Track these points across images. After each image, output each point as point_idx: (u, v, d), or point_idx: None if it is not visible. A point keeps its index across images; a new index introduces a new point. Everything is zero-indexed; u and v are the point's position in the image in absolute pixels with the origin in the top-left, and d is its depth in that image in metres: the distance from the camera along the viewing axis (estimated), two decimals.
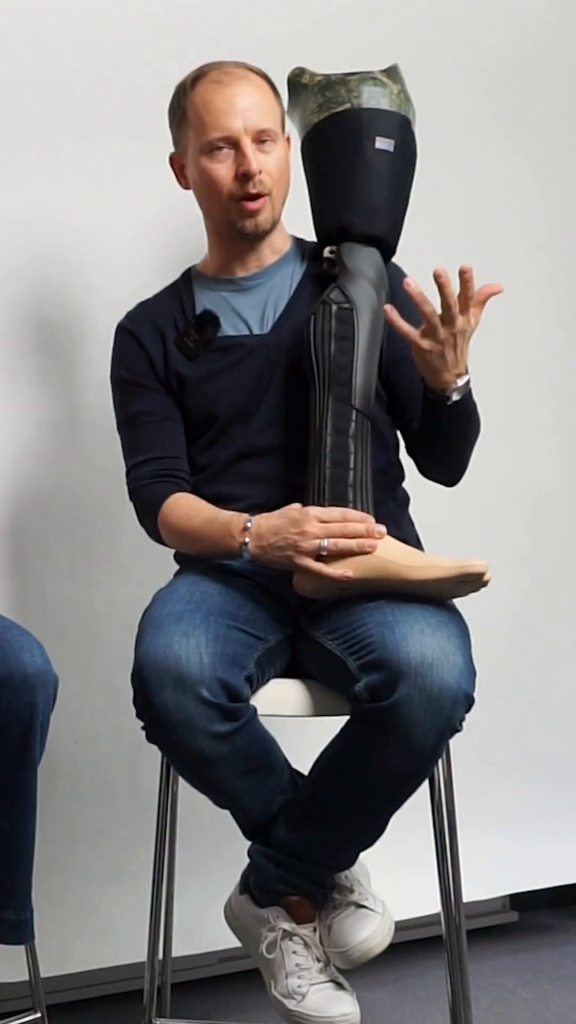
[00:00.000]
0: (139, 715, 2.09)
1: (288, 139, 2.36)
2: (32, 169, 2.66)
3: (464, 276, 2.12)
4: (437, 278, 2.11)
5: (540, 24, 3.15)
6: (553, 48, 3.17)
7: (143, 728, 2.11)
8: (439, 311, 2.15)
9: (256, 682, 2.15)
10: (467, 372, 2.20)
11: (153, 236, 2.75)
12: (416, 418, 2.33)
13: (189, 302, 2.37)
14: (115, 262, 2.73)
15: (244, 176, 2.26)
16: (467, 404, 2.24)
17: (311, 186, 2.37)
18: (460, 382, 2.20)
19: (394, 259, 2.39)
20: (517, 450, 3.10)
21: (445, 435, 2.28)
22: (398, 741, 2.03)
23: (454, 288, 2.12)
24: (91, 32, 2.70)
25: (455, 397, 2.20)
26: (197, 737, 2.05)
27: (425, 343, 2.16)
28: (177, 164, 2.37)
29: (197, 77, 2.31)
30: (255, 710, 2.13)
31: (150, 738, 2.11)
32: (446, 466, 2.35)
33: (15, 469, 2.68)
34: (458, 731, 2.06)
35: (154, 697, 2.05)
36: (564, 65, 3.19)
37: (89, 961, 2.67)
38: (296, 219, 2.40)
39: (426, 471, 2.38)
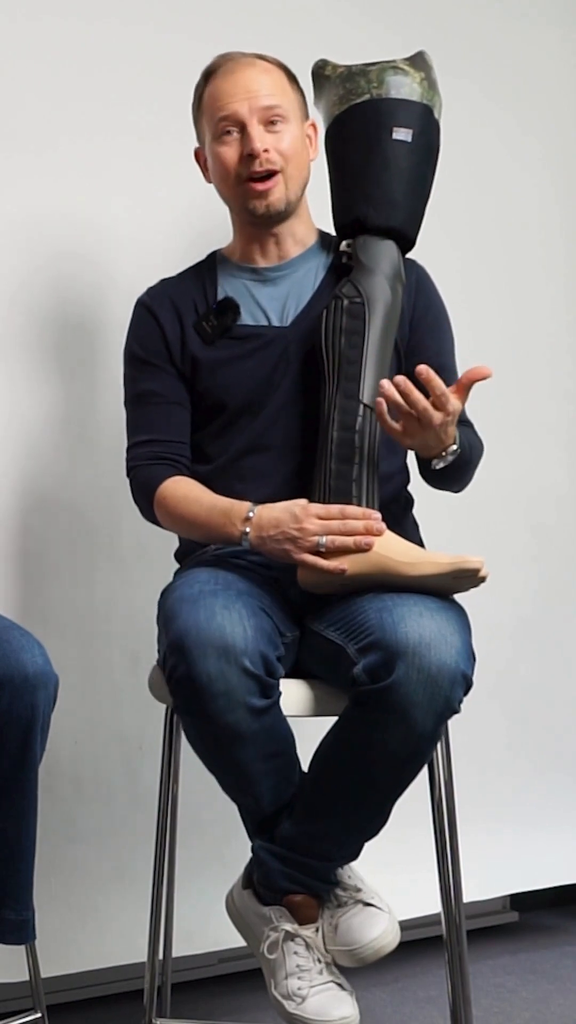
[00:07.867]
0: (175, 689, 2.05)
1: (314, 125, 2.35)
2: (51, 165, 2.68)
3: (422, 377, 2.07)
4: (398, 387, 2.09)
5: (543, 8, 3.16)
6: (556, 32, 3.18)
7: (176, 704, 2.07)
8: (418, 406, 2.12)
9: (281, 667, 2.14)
10: (455, 443, 2.18)
11: (174, 233, 2.75)
12: None
13: (211, 286, 2.37)
14: (132, 259, 2.73)
15: (249, 156, 2.26)
16: (458, 458, 2.21)
17: (332, 179, 2.36)
18: (448, 452, 2.19)
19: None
20: (522, 451, 3.10)
21: (442, 477, 2.28)
22: (397, 722, 2.03)
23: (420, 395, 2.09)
24: (106, 29, 2.71)
25: (440, 466, 2.20)
26: (236, 709, 2.03)
27: (407, 441, 2.16)
28: (201, 158, 2.37)
29: (211, 70, 2.33)
30: (280, 693, 2.12)
31: (184, 711, 2.07)
32: (451, 485, 2.36)
33: (16, 469, 2.68)
34: (457, 712, 2.06)
35: (197, 666, 2.02)
36: (568, 47, 3.19)
37: (89, 961, 2.67)
38: (323, 214, 2.40)
39: (431, 484, 2.38)
